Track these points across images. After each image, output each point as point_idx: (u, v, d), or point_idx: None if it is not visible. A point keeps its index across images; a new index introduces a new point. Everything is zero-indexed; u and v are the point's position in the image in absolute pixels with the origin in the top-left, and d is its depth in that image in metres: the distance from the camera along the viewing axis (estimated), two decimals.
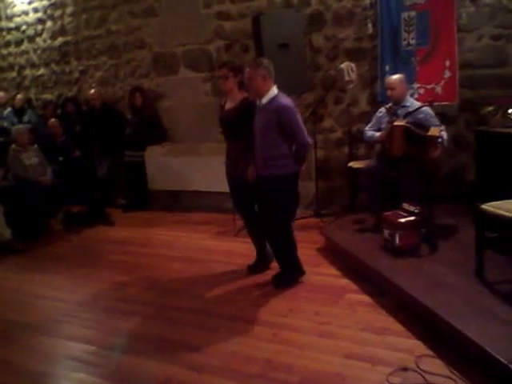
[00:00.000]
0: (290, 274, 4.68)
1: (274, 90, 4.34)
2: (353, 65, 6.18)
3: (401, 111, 5.30)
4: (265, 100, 4.32)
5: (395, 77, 5.42)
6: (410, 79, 5.81)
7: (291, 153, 4.38)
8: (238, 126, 4.64)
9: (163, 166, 7.73)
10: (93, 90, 8.18)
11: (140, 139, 7.79)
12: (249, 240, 5.10)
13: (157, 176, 7.85)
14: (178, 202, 7.99)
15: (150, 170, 7.89)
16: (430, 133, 4.89)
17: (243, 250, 5.57)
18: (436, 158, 4.97)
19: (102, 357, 3.71)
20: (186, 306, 4.44)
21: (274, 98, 4.30)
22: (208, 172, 7.19)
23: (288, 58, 5.85)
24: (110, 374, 3.49)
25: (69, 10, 8.71)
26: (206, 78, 7.70)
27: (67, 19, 8.79)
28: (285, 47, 5.93)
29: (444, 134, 5.07)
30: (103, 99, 8.23)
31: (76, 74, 8.94)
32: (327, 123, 6.97)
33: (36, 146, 7.29)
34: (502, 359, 2.87)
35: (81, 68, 8.86)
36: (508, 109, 5.33)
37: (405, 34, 6.17)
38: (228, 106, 4.79)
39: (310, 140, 4.40)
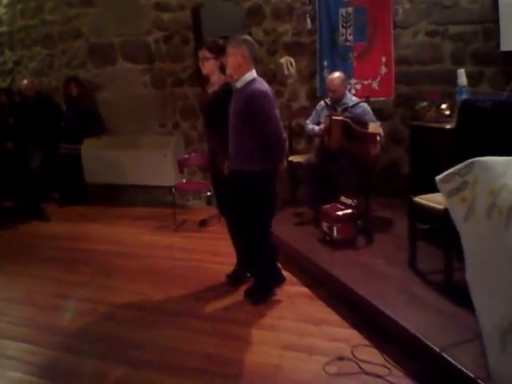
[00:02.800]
0: (265, 286, 4.27)
1: (253, 74, 3.93)
2: (292, 59, 6.24)
3: (340, 107, 5.37)
4: (240, 84, 3.90)
5: (336, 79, 5.34)
6: (347, 75, 5.87)
7: (265, 147, 3.88)
8: (215, 113, 4.23)
9: (101, 159, 7.55)
10: (25, 81, 7.93)
11: (76, 131, 7.61)
12: (189, 234, 5.10)
13: (95, 169, 7.66)
14: (118, 196, 7.82)
15: (87, 163, 7.71)
16: (370, 130, 4.97)
17: (183, 244, 5.58)
18: (375, 155, 5.06)
19: (37, 355, 3.63)
20: (124, 302, 4.39)
21: (249, 83, 3.88)
22: (147, 165, 7.13)
23: None
24: (46, 372, 3.42)
25: (5, 0, 8.43)
26: (144, 70, 7.58)
27: (2, 10, 8.51)
28: (225, 40, 5.90)
29: (381, 131, 5.17)
30: (37, 90, 7.98)
31: (10, 65, 8.67)
32: None
33: None
34: (435, 347, 2.96)
35: (15, 58, 8.59)
36: (441, 104, 5.48)
37: (342, 30, 6.24)
38: (210, 91, 4.47)
39: (285, 135, 3.96)
